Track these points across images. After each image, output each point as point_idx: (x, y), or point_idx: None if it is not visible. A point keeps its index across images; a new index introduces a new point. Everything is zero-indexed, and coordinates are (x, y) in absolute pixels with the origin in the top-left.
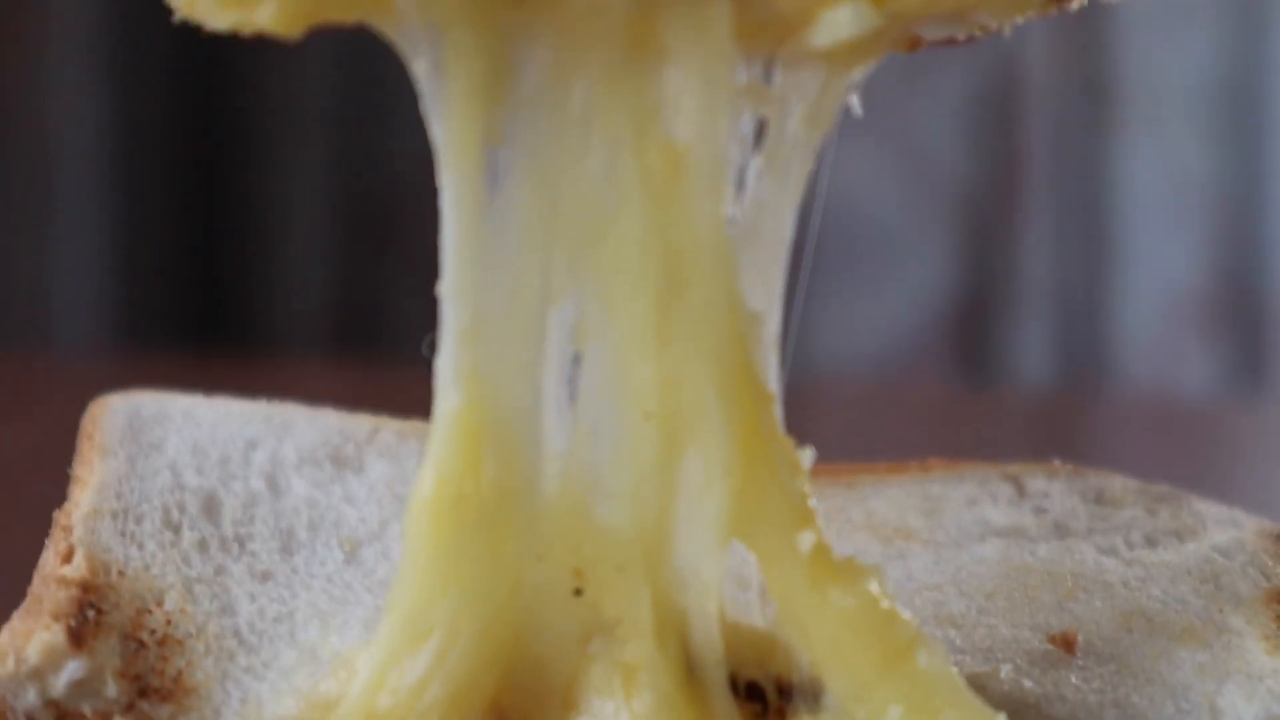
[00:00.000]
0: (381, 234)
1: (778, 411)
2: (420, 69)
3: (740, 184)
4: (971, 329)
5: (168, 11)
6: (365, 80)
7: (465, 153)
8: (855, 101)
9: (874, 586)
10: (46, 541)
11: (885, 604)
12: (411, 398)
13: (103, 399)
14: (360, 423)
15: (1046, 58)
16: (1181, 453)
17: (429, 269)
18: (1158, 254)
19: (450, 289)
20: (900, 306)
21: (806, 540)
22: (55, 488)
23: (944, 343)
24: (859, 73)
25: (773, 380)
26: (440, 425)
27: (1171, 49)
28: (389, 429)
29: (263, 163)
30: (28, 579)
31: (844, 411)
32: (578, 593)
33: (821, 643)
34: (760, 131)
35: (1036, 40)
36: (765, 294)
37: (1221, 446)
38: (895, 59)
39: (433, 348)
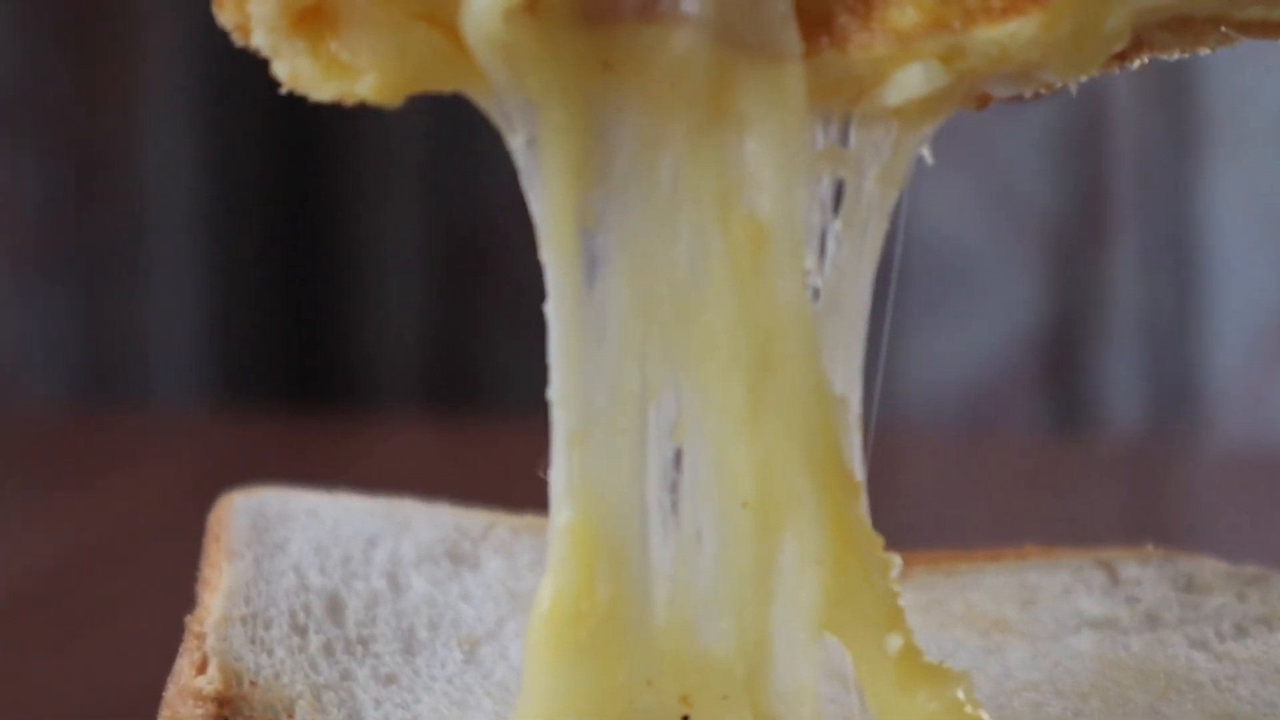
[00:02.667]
0: (477, 282)
1: (864, 504)
2: (516, 144)
3: (821, 250)
4: (1058, 358)
5: (260, 64)
6: (455, 124)
7: (563, 235)
8: (926, 152)
9: (960, 693)
10: (181, 649)
11: (969, 710)
12: (507, 454)
13: (227, 497)
14: (475, 518)
15: (1131, 84)
16: (1273, 508)
17: (525, 317)
18: (1246, 281)
19: (557, 392)
20: (986, 336)
21: (894, 643)
22: (160, 550)
23: (1031, 372)
24: (929, 129)
25: (859, 469)
26: (555, 539)
27: (1258, 75)
28: (503, 525)
29: (355, 212)
30: (144, 642)
31: (932, 464)
32: (685, 719)
33: None
34: (838, 194)
35: None
36: (846, 370)
37: None
38: None
39: (545, 468)
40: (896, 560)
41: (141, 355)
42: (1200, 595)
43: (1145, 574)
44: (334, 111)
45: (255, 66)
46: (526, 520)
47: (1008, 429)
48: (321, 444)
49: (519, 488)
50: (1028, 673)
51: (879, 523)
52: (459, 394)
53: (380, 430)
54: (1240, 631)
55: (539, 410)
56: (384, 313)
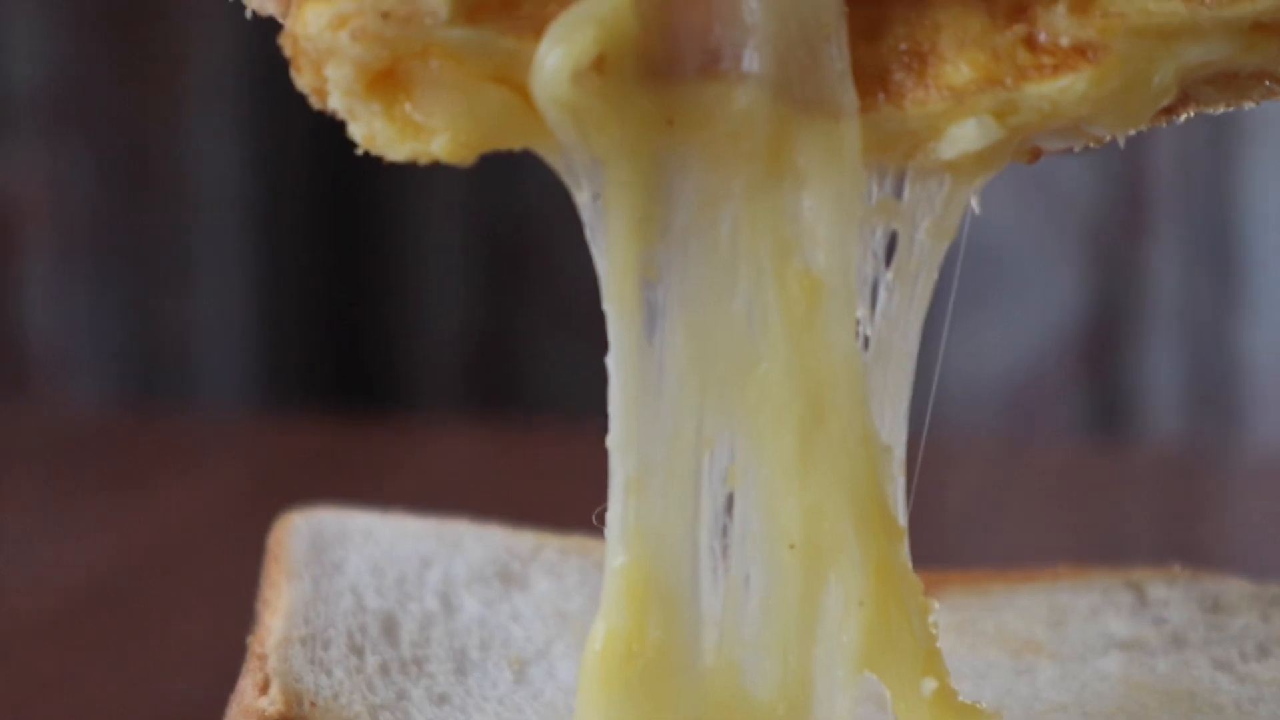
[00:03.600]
0: (520, 284)
1: (906, 549)
2: (582, 199)
3: (872, 300)
4: (1097, 352)
5: None
6: None
7: (625, 288)
8: (975, 203)
9: None
10: (243, 668)
11: None
12: (549, 456)
13: (285, 518)
14: (524, 539)
15: None
16: None
17: (567, 318)
18: None
19: (616, 440)
20: (1025, 331)
21: (929, 686)
22: (213, 557)
23: (1070, 366)
24: (981, 182)
25: (902, 516)
26: (609, 582)
27: None
28: (552, 546)
29: (400, 214)
30: (198, 649)
31: (968, 473)
32: None
33: None
34: (890, 245)
35: None
36: (893, 418)
37: None
38: None
39: (602, 518)
40: (935, 605)
41: (187, 355)
42: (1225, 616)
43: (1173, 595)
44: None
45: None
46: (574, 541)
47: (1046, 425)
48: (367, 448)
49: (561, 489)
50: (1056, 694)
51: (916, 532)
52: (503, 396)
53: (425, 432)
54: (1263, 652)
55: (581, 412)
56: (429, 313)
